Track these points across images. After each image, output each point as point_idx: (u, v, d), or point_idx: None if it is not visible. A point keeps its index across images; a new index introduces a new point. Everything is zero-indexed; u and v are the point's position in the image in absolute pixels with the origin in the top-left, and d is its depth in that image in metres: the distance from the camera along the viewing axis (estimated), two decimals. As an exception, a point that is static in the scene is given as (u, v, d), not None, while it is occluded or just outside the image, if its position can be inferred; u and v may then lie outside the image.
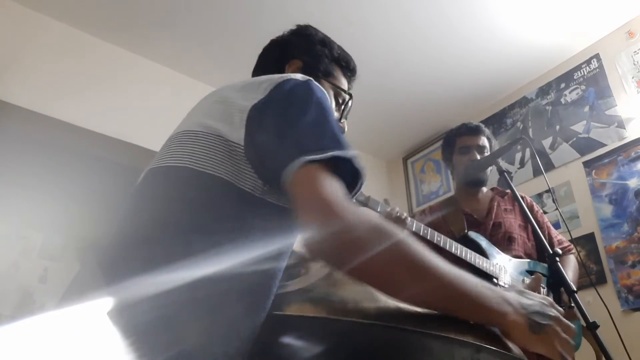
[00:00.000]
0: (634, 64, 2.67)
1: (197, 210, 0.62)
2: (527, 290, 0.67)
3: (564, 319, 0.65)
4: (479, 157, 1.84)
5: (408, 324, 0.54)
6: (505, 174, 1.57)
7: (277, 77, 0.74)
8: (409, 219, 1.59)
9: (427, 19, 2.69)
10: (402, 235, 0.58)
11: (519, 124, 3.21)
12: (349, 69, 1.02)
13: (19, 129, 2.54)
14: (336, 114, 0.97)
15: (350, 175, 0.65)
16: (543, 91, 3.12)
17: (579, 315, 1.45)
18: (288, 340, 0.55)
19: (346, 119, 1.00)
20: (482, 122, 3.06)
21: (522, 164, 3.08)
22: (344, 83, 1.01)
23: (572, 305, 1.18)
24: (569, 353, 0.62)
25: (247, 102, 0.70)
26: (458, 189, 1.98)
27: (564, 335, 0.63)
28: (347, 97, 0.99)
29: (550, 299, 0.67)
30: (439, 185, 3.65)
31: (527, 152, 3.07)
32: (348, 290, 0.58)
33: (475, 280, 0.60)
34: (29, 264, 3.66)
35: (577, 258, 1.89)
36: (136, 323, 0.52)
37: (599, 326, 1.32)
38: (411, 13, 2.65)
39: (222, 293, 0.56)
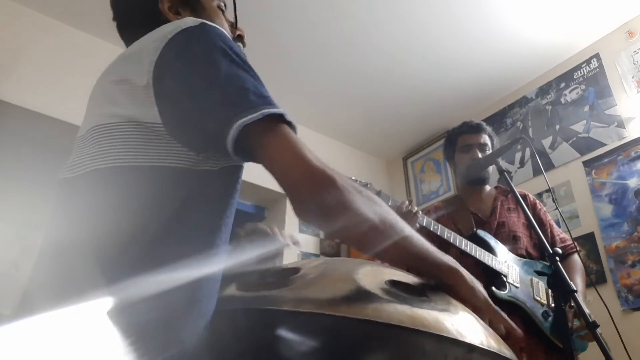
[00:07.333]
0: (634, 64, 2.67)
1: (137, 209, 0.58)
2: None
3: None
4: (480, 155, 1.83)
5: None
6: (505, 173, 1.57)
7: (166, 31, 0.65)
8: (420, 212, 1.59)
9: (426, 20, 2.69)
10: (378, 200, 0.64)
11: (518, 123, 3.21)
12: None
13: (19, 129, 2.54)
14: (227, 26, 0.90)
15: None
16: (543, 91, 3.12)
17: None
18: (279, 336, 0.53)
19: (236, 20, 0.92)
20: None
21: (522, 163, 3.09)
22: None
23: (573, 305, 1.18)
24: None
25: (144, 74, 0.62)
26: (462, 187, 1.97)
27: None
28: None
29: None
30: (439, 184, 3.65)
31: (527, 151, 3.07)
32: (335, 287, 0.57)
33: (431, 245, 0.71)
34: (29, 264, 3.66)
35: (580, 257, 1.89)
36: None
37: (598, 325, 1.32)
38: (411, 13, 2.65)
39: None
